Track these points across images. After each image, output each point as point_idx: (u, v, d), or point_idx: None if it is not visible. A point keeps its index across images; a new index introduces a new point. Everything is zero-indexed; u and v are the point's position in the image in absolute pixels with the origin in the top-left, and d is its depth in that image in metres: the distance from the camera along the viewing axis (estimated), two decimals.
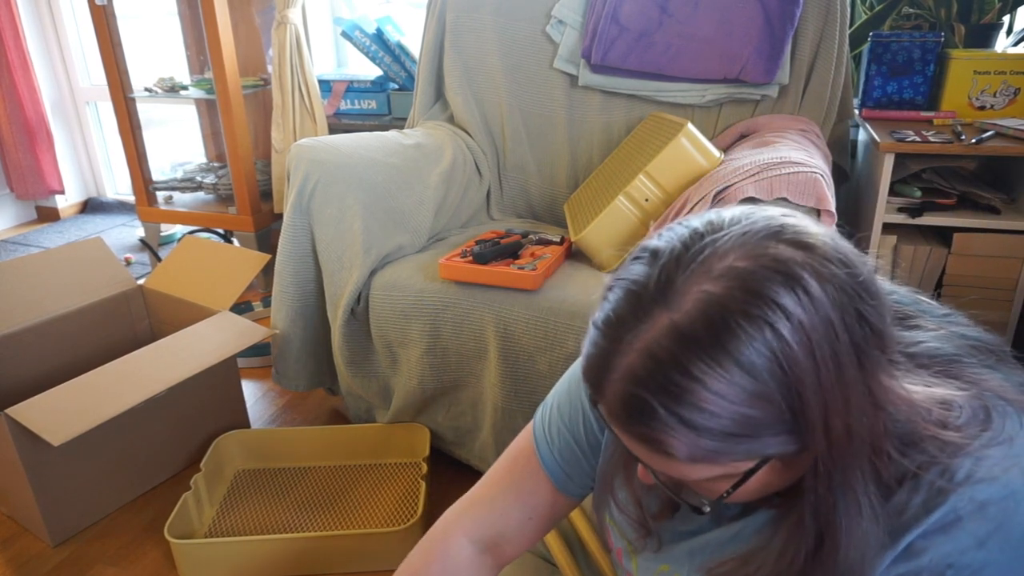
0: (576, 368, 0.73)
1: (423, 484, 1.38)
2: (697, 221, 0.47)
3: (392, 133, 1.69)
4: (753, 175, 1.19)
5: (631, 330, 0.45)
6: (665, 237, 0.48)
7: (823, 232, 0.46)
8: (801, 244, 0.44)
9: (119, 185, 3.56)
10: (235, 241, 2.53)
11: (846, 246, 0.46)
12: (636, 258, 0.48)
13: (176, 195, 2.67)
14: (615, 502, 0.65)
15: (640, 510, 0.62)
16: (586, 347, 0.48)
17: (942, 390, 0.49)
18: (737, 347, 0.42)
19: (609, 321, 0.46)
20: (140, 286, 1.80)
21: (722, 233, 0.46)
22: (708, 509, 0.50)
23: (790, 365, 0.42)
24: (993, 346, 0.54)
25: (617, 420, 0.47)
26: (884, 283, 0.53)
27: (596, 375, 0.47)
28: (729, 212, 0.48)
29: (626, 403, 0.45)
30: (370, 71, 2.52)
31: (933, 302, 0.58)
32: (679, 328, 0.43)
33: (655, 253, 0.47)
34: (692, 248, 0.45)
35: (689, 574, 0.60)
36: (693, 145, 1.34)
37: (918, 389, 0.48)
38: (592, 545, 0.88)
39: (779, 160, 1.21)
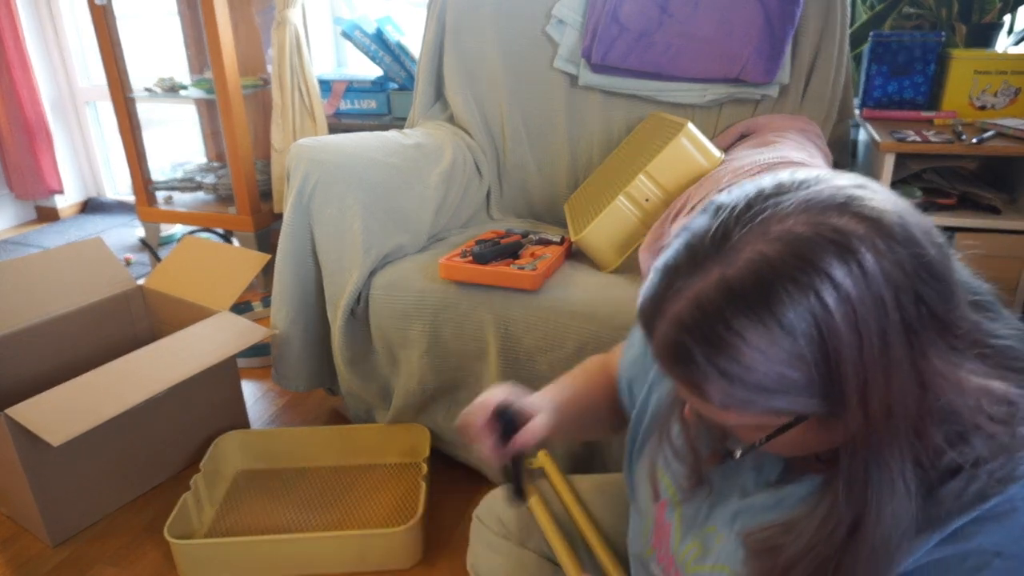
0: None
1: (423, 484, 1.37)
2: (768, 180, 0.48)
3: (392, 133, 1.68)
4: (754, 175, 1.19)
5: (684, 279, 0.47)
6: (733, 193, 0.49)
7: (894, 208, 0.45)
8: (864, 218, 0.44)
9: (119, 185, 3.56)
10: (235, 241, 2.52)
11: (918, 224, 0.45)
12: (703, 210, 0.50)
13: (176, 195, 2.67)
14: (671, 446, 0.66)
15: (694, 455, 0.63)
16: (643, 289, 0.51)
17: (1003, 385, 0.48)
18: (781, 309, 0.43)
19: (666, 268, 0.49)
20: (140, 286, 1.80)
21: (787, 195, 0.46)
22: (739, 454, 0.52)
23: (831, 335, 0.43)
24: None
25: (661, 360, 0.50)
26: (966, 274, 0.53)
27: (648, 317, 0.50)
28: (802, 174, 0.48)
29: (670, 346, 0.48)
30: (370, 71, 2.52)
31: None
32: (728, 283, 0.45)
33: (719, 208, 0.48)
34: (754, 207, 0.46)
35: (731, 536, 0.60)
36: (693, 145, 1.34)
37: (978, 380, 0.47)
38: (596, 546, 0.88)
39: (779, 160, 1.21)
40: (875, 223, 0.44)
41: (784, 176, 0.48)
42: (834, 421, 0.47)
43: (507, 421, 0.74)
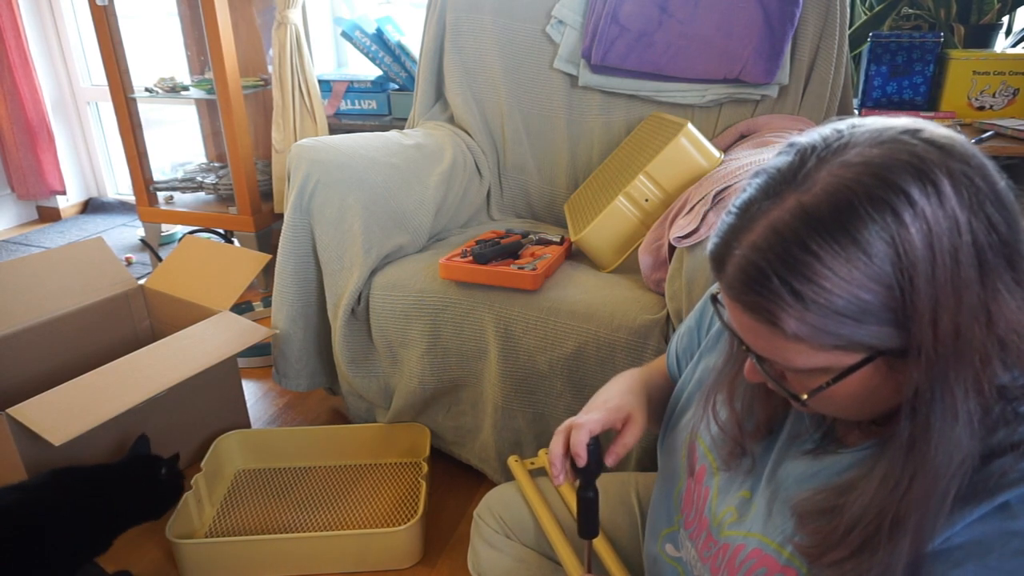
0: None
1: (423, 484, 1.38)
2: (843, 123, 0.50)
3: (392, 133, 1.69)
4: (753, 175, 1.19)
5: (761, 209, 0.48)
6: (809, 134, 0.50)
7: (963, 139, 0.47)
8: (937, 143, 0.46)
9: (120, 185, 3.56)
10: (235, 241, 2.53)
11: (985, 157, 0.47)
12: (780, 152, 0.51)
13: (177, 195, 2.67)
14: (715, 419, 0.67)
15: (739, 428, 0.64)
16: (716, 229, 0.52)
17: None
18: (858, 228, 0.44)
19: (743, 203, 0.50)
20: (141, 286, 1.80)
21: (861, 127, 0.48)
22: (806, 398, 0.52)
23: (907, 252, 0.44)
24: None
25: (732, 291, 0.50)
26: None
27: (721, 251, 0.50)
28: (870, 118, 0.50)
29: (744, 271, 0.48)
30: (370, 71, 2.52)
31: None
32: (805, 207, 0.46)
33: (794, 145, 0.50)
34: (831, 141, 0.48)
35: (764, 504, 0.61)
36: (693, 145, 1.35)
37: None
38: (597, 543, 0.88)
39: None
40: (948, 148, 0.45)
41: (854, 119, 0.50)
42: (901, 364, 0.48)
43: (593, 447, 0.70)
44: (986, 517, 0.47)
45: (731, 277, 0.50)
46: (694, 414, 0.72)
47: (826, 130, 0.49)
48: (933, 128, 0.47)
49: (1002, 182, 0.47)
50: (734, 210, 0.51)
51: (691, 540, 0.68)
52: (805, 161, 0.48)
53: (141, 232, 3.04)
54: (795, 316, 0.47)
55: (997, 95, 1.68)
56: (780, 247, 0.46)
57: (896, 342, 0.47)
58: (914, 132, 0.47)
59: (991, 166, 0.47)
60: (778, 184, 0.48)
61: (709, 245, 0.52)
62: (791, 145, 0.50)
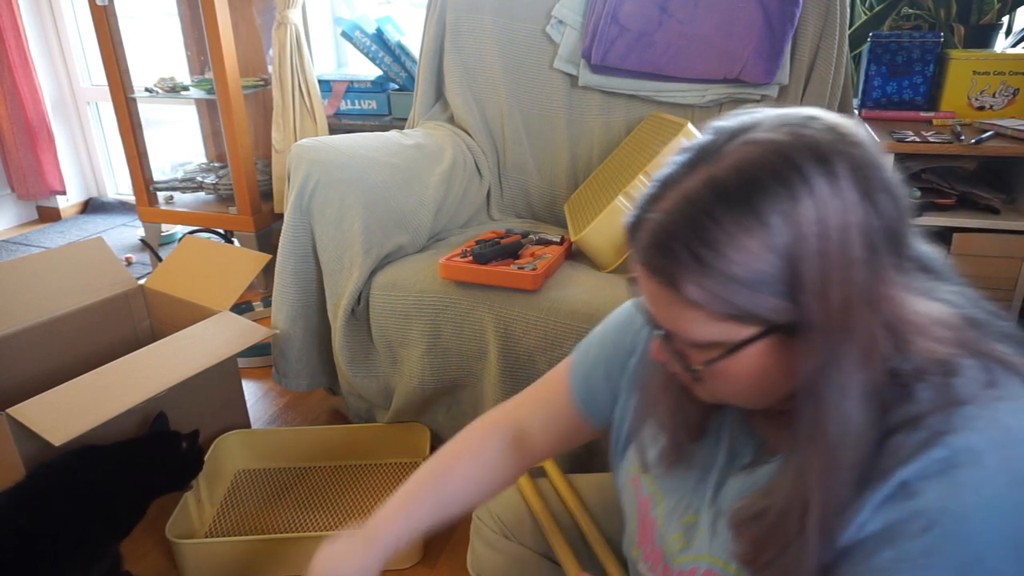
0: (620, 315, 0.79)
1: None
2: (759, 110, 0.54)
3: (392, 133, 1.69)
4: None
5: (677, 181, 0.52)
6: (728, 117, 0.54)
7: (859, 127, 0.51)
8: (838, 130, 0.50)
9: (120, 185, 3.56)
10: (235, 241, 2.53)
11: (879, 145, 0.51)
12: (705, 131, 0.54)
13: (177, 195, 2.67)
14: (653, 421, 0.69)
15: (673, 431, 0.66)
16: (635, 201, 0.55)
17: (947, 314, 0.52)
18: (759, 201, 0.47)
19: (662, 177, 0.53)
20: (141, 286, 1.80)
21: (772, 112, 0.52)
22: (700, 369, 0.55)
23: (800, 227, 0.47)
24: (1010, 330, 0.55)
25: (641, 254, 0.53)
26: (920, 242, 0.57)
27: (637, 217, 0.53)
28: (782, 108, 0.54)
29: (654, 234, 0.51)
30: (370, 71, 2.52)
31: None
32: (714, 178, 0.49)
33: (716, 127, 0.53)
34: (744, 123, 0.52)
35: (709, 525, 0.62)
36: None
37: (918, 304, 0.51)
38: (595, 544, 0.88)
39: None
40: (846, 135, 0.49)
41: (767, 108, 0.54)
42: (794, 344, 0.50)
43: None
44: (889, 500, 0.48)
45: (642, 241, 0.52)
46: (632, 446, 0.74)
47: (745, 116, 0.53)
48: (834, 116, 0.51)
49: (891, 172, 0.50)
50: (654, 182, 0.54)
51: (652, 572, 0.69)
52: (719, 139, 0.51)
53: (141, 232, 3.04)
54: (694, 281, 0.49)
55: (997, 95, 1.68)
56: (688, 213, 0.49)
57: (788, 316, 0.49)
58: (816, 118, 0.50)
59: (882, 154, 0.51)
60: (695, 159, 0.52)
61: (628, 215, 0.55)
62: (712, 127, 0.54)
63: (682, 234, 0.49)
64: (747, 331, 0.51)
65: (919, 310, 0.51)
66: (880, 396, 0.50)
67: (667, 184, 0.52)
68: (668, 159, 0.54)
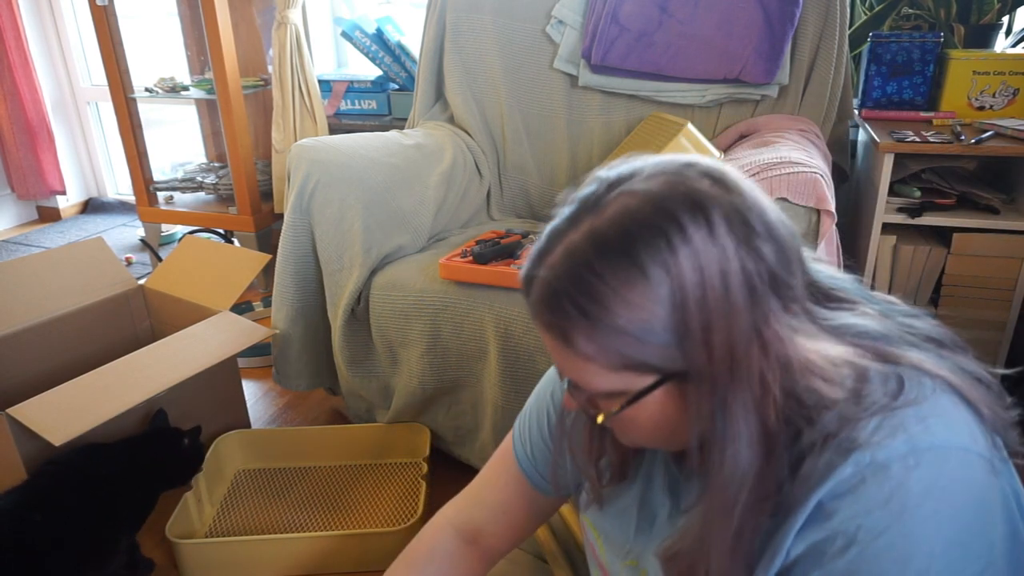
0: (551, 370, 0.79)
1: (423, 484, 1.38)
2: (640, 159, 0.54)
3: (392, 133, 1.69)
4: (753, 175, 1.19)
5: (563, 233, 0.52)
6: (614, 167, 0.54)
7: (741, 176, 0.52)
8: (714, 177, 0.50)
9: (120, 185, 3.56)
10: (235, 241, 2.53)
11: (762, 193, 0.51)
12: (589, 181, 0.54)
13: (177, 195, 2.67)
14: (576, 467, 0.69)
15: (590, 477, 0.67)
16: (528, 255, 0.55)
17: (840, 350, 0.51)
18: (637, 252, 0.48)
19: (550, 230, 0.54)
20: (141, 286, 1.80)
21: (652, 160, 0.53)
22: (602, 420, 0.55)
23: (679, 277, 0.47)
24: (949, 340, 0.56)
25: (534, 310, 0.53)
26: (827, 269, 0.58)
27: (529, 274, 0.54)
28: (665, 156, 0.54)
29: (543, 293, 0.51)
30: (370, 71, 2.52)
31: (898, 301, 0.59)
32: (595, 231, 0.50)
33: (601, 177, 0.54)
34: (625, 173, 0.52)
35: (653, 569, 0.63)
36: (693, 145, 1.35)
37: (811, 342, 0.51)
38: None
39: (779, 160, 1.21)
40: (722, 182, 0.50)
41: (655, 158, 0.55)
42: (691, 388, 0.50)
43: None
44: (808, 524, 0.49)
45: (533, 298, 0.53)
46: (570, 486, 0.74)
47: (627, 164, 0.53)
48: (710, 163, 0.51)
49: (773, 214, 0.50)
50: (544, 235, 0.54)
51: None
52: (599, 190, 0.52)
53: (141, 232, 3.04)
54: (584, 334, 0.49)
55: (997, 95, 1.68)
56: (572, 268, 0.49)
57: (680, 364, 0.49)
58: (692, 165, 0.51)
59: (764, 199, 0.51)
60: (580, 211, 0.52)
61: (522, 271, 0.55)
62: (595, 176, 0.54)
63: (568, 290, 0.49)
64: (645, 380, 0.51)
65: (812, 347, 0.50)
66: (782, 432, 0.50)
67: (553, 238, 0.52)
68: (560, 212, 0.54)
